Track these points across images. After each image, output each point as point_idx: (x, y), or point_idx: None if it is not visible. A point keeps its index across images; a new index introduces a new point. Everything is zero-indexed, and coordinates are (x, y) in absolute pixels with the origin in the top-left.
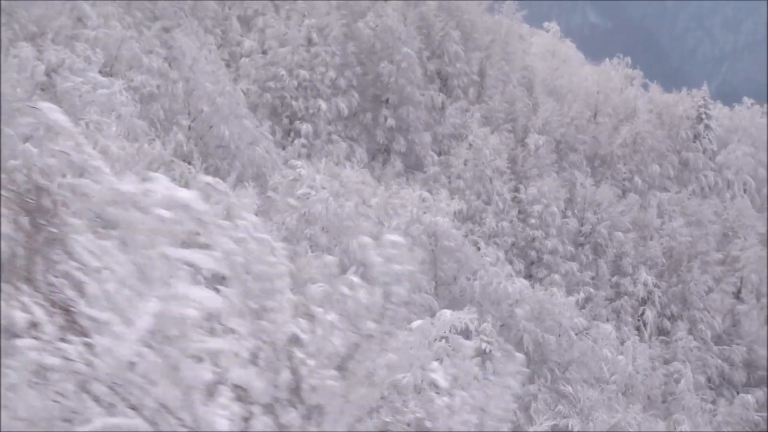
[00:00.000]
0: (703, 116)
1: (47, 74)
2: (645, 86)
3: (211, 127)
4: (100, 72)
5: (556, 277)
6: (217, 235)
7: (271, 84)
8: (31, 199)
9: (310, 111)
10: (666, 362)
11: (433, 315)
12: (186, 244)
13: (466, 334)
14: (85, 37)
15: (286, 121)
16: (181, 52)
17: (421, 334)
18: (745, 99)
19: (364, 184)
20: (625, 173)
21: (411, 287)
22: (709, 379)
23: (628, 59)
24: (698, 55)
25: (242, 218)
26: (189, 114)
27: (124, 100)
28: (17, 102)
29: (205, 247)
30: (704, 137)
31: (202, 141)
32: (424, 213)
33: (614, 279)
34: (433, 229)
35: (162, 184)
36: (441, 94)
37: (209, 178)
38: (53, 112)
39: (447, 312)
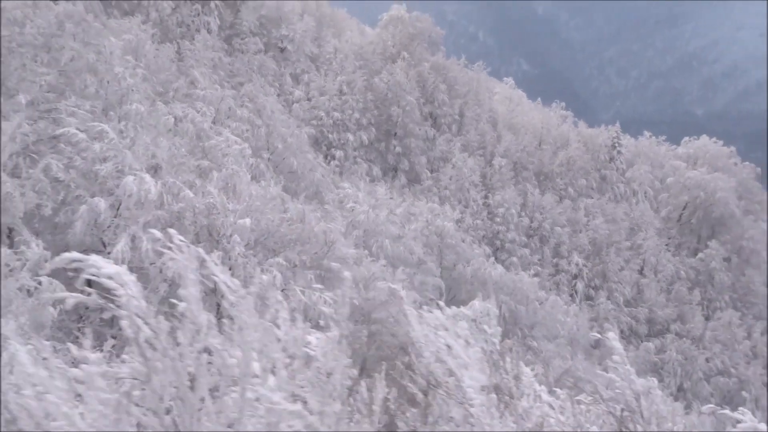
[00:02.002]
0: (616, 144)
1: (175, 124)
2: (575, 123)
3: (284, 158)
4: (213, 122)
5: (514, 259)
6: None
7: (314, 122)
8: None
9: (341, 141)
10: (592, 320)
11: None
12: None
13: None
14: (197, 96)
15: (324, 148)
16: (263, 105)
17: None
18: (645, 132)
19: (392, 199)
20: (561, 185)
21: (425, 271)
22: (621, 332)
23: (563, 104)
24: (599, 94)
25: None
26: (268, 149)
27: (250, 153)
28: (182, 158)
29: None
30: (617, 159)
31: (278, 169)
32: (436, 219)
33: (554, 260)
34: (440, 230)
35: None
36: (433, 129)
37: None
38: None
39: (476, 302)
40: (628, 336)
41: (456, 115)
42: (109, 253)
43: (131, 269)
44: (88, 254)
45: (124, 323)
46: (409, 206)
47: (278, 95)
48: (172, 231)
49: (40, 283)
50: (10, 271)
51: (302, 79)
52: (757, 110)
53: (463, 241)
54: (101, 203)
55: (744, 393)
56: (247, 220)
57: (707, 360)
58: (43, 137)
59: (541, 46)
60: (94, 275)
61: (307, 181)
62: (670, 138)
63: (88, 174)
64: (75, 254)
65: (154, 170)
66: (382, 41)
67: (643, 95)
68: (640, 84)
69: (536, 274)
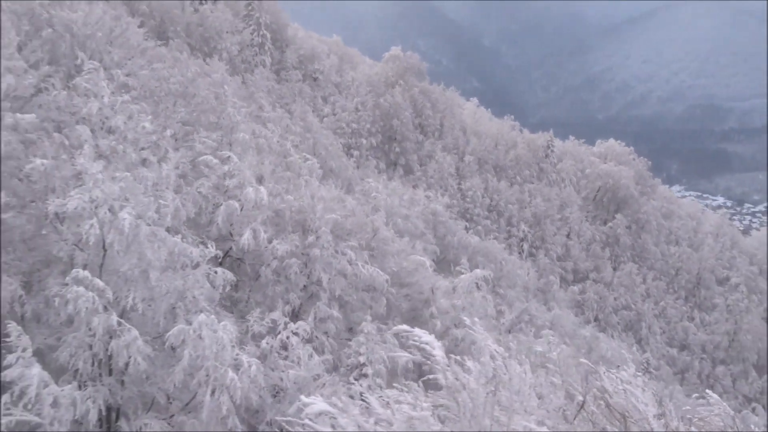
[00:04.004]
0: (550, 145)
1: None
2: (521, 130)
3: (326, 161)
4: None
5: (480, 227)
6: None
7: (338, 131)
8: None
9: (357, 144)
10: (536, 271)
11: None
12: None
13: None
14: (265, 118)
15: (345, 149)
16: (310, 123)
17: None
18: (571, 137)
19: (401, 189)
20: (511, 175)
21: (425, 241)
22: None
23: (512, 116)
24: (529, 104)
25: None
26: (314, 155)
27: (318, 166)
28: (279, 172)
29: None
30: (550, 156)
31: (321, 169)
32: (430, 203)
33: (507, 228)
34: (434, 211)
35: None
36: (421, 135)
37: None
38: None
39: (478, 270)
40: (560, 282)
41: (437, 125)
42: (235, 240)
43: (252, 253)
44: (224, 242)
45: (440, 376)
46: (412, 194)
47: (313, 112)
48: (478, 327)
49: (216, 272)
50: (196, 263)
51: (329, 100)
52: (640, 115)
53: (451, 219)
54: (235, 205)
55: (642, 323)
56: (333, 216)
57: (615, 299)
58: (185, 161)
59: (487, 69)
60: (416, 342)
61: (342, 178)
62: (578, 134)
63: (220, 186)
64: (405, 327)
65: (260, 180)
66: (385, 72)
67: (560, 104)
68: (558, 97)
69: (495, 238)
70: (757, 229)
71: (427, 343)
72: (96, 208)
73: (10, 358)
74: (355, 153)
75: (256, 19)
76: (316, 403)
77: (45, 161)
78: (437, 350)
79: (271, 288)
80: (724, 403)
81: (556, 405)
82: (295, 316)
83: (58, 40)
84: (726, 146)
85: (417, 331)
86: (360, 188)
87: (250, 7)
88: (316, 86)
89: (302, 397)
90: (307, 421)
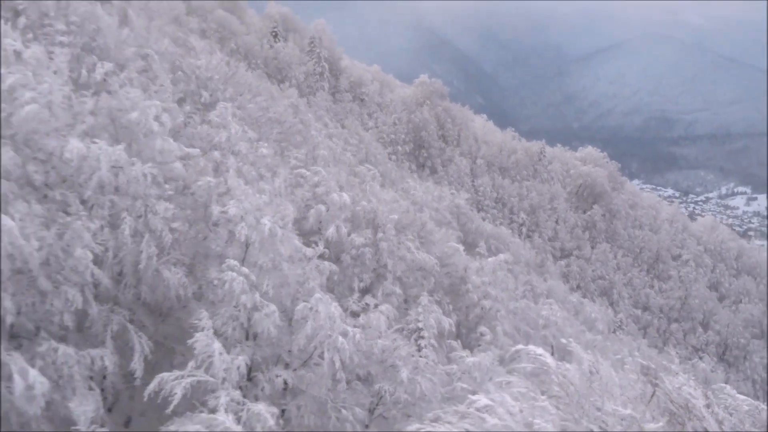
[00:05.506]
0: (542, 151)
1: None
2: (520, 139)
3: (376, 167)
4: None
5: (489, 216)
6: None
7: (380, 141)
8: None
9: (395, 151)
10: (534, 249)
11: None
12: None
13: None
14: (329, 134)
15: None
16: (362, 137)
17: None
18: (559, 144)
19: (432, 187)
20: (513, 174)
21: (452, 228)
22: (546, 258)
23: (513, 128)
24: (521, 116)
25: None
26: (367, 161)
27: (379, 175)
28: (351, 181)
29: None
30: (543, 159)
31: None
32: (454, 198)
33: (510, 216)
34: (457, 205)
35: None
36: (443, 143)
37: None
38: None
39: (501, 255)
40: (552, 258)
41: (456, 136)
42: (322, 233)
43: (334, 243)
44: (314, 235)
45: (553, 377)
46: (440, 191)
47: (361, 126)
48: (574, 344)
49: (324, 264)
50: (309, 258)
51: (373, 116)
52: (607, 125)
53: (470, 210)
54: (322, 207)
55: (614, 290)
56: (395, 216)
57: (593, 271)
58: (292, 176)
59: (488, 89)
60: (532, 354)
61: (387, 180)
62: (558, 140)
63: (313, 193)
64: (521, 346)
65: (341, 188)
66: (415, 94)
67: (544, 116)
68: (542, 110)
69: (500, 224)
70: (701, 215)
71: (540, 355)
72: (245, 214)
73: (198, 335)
74: (393, 158)
75: (318, 54)
76: (481, 399)
77: (211, 179)
78: (549, 358)
79: (350, 270)
80: (748, 398)
81: (634, 395)
82: (367, 291)
83: (188, 81)
84: (675, 149)
85: (531, 347)
86: (401, 187)
87: (312, 44)
88: (363, 105)
89: (469, 396)
90: (474, 411)
